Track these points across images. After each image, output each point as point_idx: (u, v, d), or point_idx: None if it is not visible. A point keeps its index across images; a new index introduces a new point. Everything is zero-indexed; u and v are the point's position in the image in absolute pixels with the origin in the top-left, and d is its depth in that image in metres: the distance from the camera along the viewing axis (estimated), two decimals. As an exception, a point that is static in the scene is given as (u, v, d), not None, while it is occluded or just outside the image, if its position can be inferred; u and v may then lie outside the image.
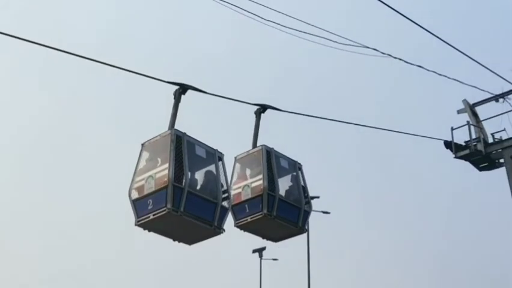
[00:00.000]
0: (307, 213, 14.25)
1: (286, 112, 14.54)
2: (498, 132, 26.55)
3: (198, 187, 12.48)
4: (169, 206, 11.58)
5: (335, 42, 16.90)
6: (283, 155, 14.25)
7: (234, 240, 13.32)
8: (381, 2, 13.20)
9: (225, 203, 12.53)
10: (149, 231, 12.31)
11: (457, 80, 22.49)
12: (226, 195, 12.60)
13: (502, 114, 26.41)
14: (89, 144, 71.93)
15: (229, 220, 13.29)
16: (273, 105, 14.46)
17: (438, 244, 60.92)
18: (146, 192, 12.00)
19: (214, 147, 13.02)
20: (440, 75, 21.25)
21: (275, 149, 14.25)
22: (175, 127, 12.56)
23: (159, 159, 12.25)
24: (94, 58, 11.35)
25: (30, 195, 68.01)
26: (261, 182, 13.54)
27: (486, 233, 58.77)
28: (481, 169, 27.43)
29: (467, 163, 27.18)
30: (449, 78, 21.84)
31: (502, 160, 26.53)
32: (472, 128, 26.87)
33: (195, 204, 11.94)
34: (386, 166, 72.25)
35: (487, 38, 77.69)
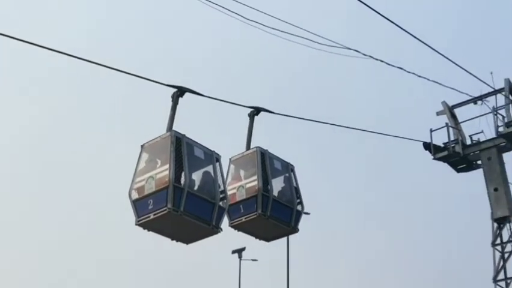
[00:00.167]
0: (299, 213, 14.90)
1: (279, 114, 15.10)
2: (476, 134, 27.53)
3: (196, 187, 13.02)
4: (169, 205, 12.13)
5: (317, 43, 17.33)
6: (277, 157, 14.89)
7: (212, 241, 13.86)
8: (365, 4, 13.70)
9: (222, 203, 13.05)
10: (148, 230, 12.86)
11: (437, 82, 22.96)
12: (223, 195, 13.15)
13: (480, 116, 27.36)
14: (87, 146, 71.83)
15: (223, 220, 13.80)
16: (264, 107, 15.03)
17: (420, 245, 62.28)
18: (146, 192, 12.54)
19: (212, 149, 13.55)
20: (420, 77, 21.80)
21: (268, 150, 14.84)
22: (173, 129, 13.09)
23: (159, 161, 12.80)
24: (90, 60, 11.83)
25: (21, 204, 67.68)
26: (255, 183, 14.16)
27: (463, 234, 60.01)
28: (458, 170, 28.36)
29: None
30: (428, 80, 22.33)
31: (479, 162, 27.42)
32: (451, 129, 27.75)
33: (194, 204, 12.50)
34: (371, 168, 73.41)
35: (467, 41, 79.17)
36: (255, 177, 14.24)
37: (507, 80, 26.85)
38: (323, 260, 59.69)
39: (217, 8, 14.79)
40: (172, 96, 13.36)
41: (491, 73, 26.63)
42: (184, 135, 12.95)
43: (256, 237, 15.16)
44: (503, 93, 26.86)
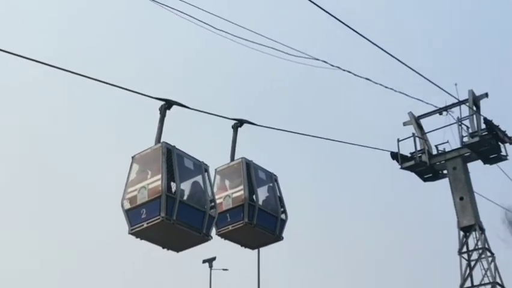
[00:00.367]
0: (283, 222, 15.67)
1: (262, 126, 15.85)
2: (442, 144, 28.76)
3: (187, 197, 13.69)
4: (162, 214, 12.78)
5: (286, 53, 17.82)
6: (261, 167, 15.65)
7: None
8: (333, 16, 14.33)
9: (211, 212, 13.72)
10: (141, 239, 13.46)
11: (403, 93, 23.64)
12: (212, 204, 13.81)
13: (445, 126, 28.54)
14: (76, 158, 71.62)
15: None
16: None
17: (387, 253, 63.47)
18: (139, 202, 13.17)
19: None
20: (387, 87, 22.41)
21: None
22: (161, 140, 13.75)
23: (150, 171, 13.42)
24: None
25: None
26: (241, 192, 14.89)
27: (430, 242, 61.36)
28: (425, 180, 29.45)
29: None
30: (395, 91, 22.97)
31: (445, 171, 28.54)
32: (417, 139, 28.82)
33: (185, 213, 13.18)
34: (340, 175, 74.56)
35: (432, 52, 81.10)
36: (241, 187, 14.97)
37: (471, 92, 28.16)
38: (294, 269, 60.46)
39: (184, 17, 15.36)
40: (160, 109, 14.06)
41: (456, 84, 27.90)
42: (174, 146, 13.61)
43: (242, 246, 15.87)
44: (467, 104, 28.10)
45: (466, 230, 26.72)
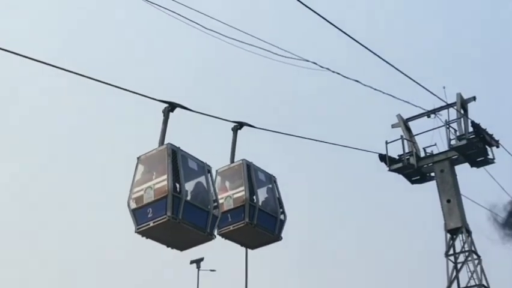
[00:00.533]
0: (282, 222, 16.44)
1: (261, 129, 16.54)
2: (429, 146, 29.46)
3: (191, 197, 14.32)
4: (168, 213, 13.47)
5: (276, 54, 18.18)
6: (261, 169, 16.37)
7: (169, 251, 15.19)
8: (324, 18, 14.86)
9: (215, 212, 14.39)
10: (146, 238, 14.11)
11: (392, 96, 24.03)
12: (215, 204, 14.49)
13: (433, 129, 29.21)
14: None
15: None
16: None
17: (374, 255, 64.40)
18: (145, 201, 13.83)
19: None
20: (376, 90, 22.83)
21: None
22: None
23: (155, 172, 14.06)
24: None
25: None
26: (242, 193, 15.63)
27: (417, 244, 62.21)
28: (413, 182, 30.12)
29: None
30: (384, 93, 23.41)
31: (433, 174, 29.25)
32: (405, 142, 29.49)
33: (190, 212, 13.88)
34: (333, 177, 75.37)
35: (421, 55, 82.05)
36: (242, 187, 15.71)
37: (459, 95, 28.80)
38: (281, 270, 61.11)
39: (175, 17, 15.64)
40: (164, 111, 14.74)
41: (444, 88, 28.32)
42: (179, 147, 14.26)
43: (242, 245, 16.64)
44: (455, 107, 28.72)
45: (453, 232, 27.34)
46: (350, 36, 16.01)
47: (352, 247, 67.64)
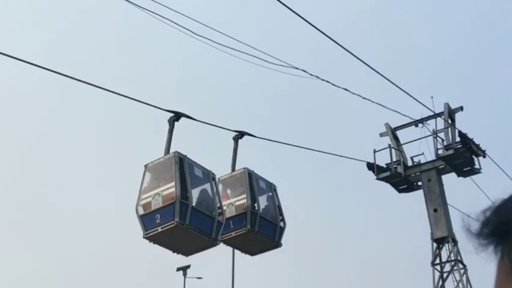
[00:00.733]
0: (282, 229, 17.30)
1: (261, 138, 17.40)
2: (417, 156, 30.13)
3: (196, 203, 15.11)
4: (176, 219, 14.26)
5: (265, 61, 18.35)
6: (261, 177, 17.21)
7: (156, 258, 16.02)
8: (314, 27, 15.69)
9: (219, 218, 15.21)
10: (154, 243, 14.89)
11: (380, 104, 24.77)
12: (220, 210, 15.32)
13: (420, 138, 29.98)
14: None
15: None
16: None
17: (360, 263, 65.33)
18: (153, 208, 14.60)
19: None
20: (365, 98, 23.45)
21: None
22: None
23: (163, 179, 14.83)
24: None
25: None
26: (244, 201, 16.48)
27: (404, 253, 63.21)
28: (400, 191, 30.91)
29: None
30: (372, 102, 24.12)
31: (420, 183, 30.10)
32: (393, 151, 30.31)
33: (197, 218, 14.72)
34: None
35: (410, 65, 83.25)
36: (244, 195, 16.58)
37: (446, 105, 29.67)
38: (268, 278, 61.82)
39: (170, 25, 16.08)
40: (169, 121, 15.59)
41: (432, 97, 29.23)
42: (185, 156, 15.06)
43: (242, 252, 17.48)
44: (443, 117, 29.55)
45: (439, 241, 27.98)
46: (340, 46, 16.84)
47: (342, 255, 68.59)
